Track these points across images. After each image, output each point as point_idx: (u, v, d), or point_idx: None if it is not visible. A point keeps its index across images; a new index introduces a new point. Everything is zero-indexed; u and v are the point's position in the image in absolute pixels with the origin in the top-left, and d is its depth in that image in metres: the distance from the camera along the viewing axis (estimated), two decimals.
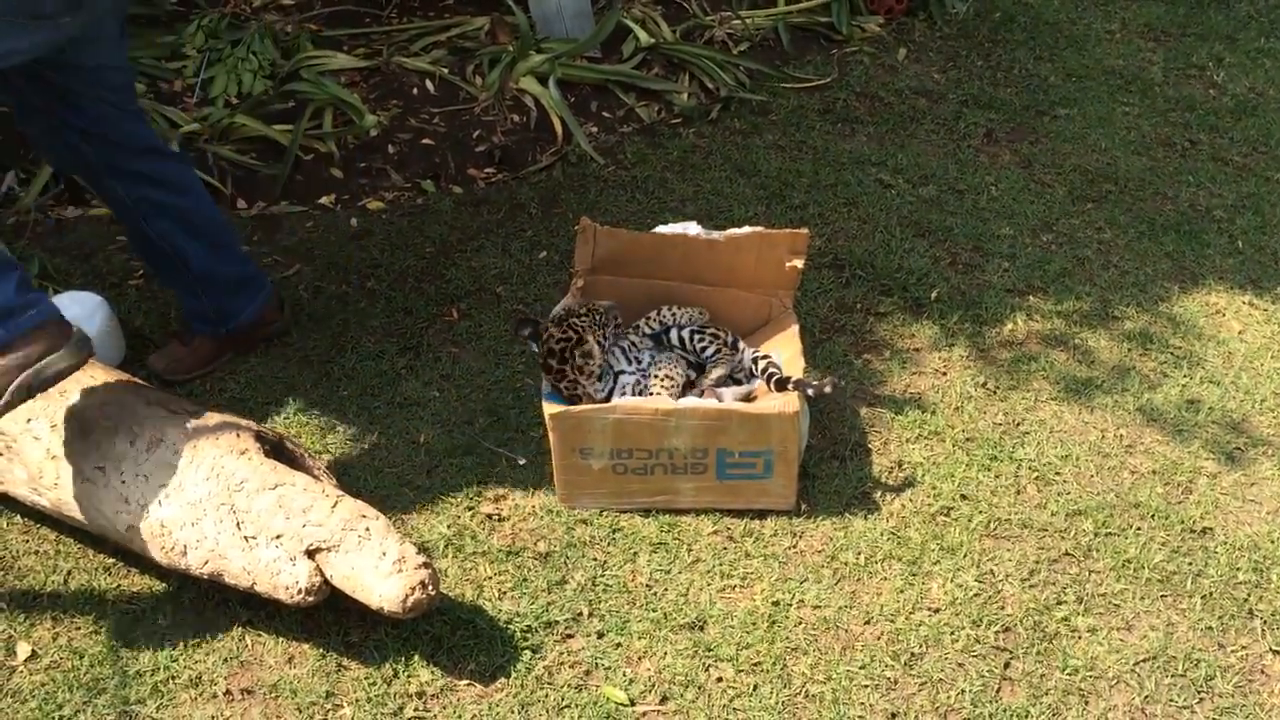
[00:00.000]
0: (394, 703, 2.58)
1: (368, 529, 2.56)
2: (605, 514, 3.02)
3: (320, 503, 2.59)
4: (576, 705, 2.58)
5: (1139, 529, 3.03)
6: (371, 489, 3.09)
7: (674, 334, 3.14)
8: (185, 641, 2.68)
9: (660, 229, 3.25)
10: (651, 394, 2.95)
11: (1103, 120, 4.85)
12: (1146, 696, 2.64)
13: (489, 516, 3.04)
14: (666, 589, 2.83)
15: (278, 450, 2.80)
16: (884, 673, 2.66)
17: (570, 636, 2.72)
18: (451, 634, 2.71)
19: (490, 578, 2.86)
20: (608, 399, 3.00)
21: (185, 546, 2.63)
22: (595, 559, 2.90)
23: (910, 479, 3.15)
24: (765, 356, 3.11)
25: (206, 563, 2.62)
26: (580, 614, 2.78)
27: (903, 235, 4.10)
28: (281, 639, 2.68)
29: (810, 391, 2.93)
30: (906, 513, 3.05)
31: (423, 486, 3.10)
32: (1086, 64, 5.28)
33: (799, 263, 3.20)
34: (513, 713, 2.58)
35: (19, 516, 2.98)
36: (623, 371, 3.07)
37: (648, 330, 3.18)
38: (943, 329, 3.70)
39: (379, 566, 2.51)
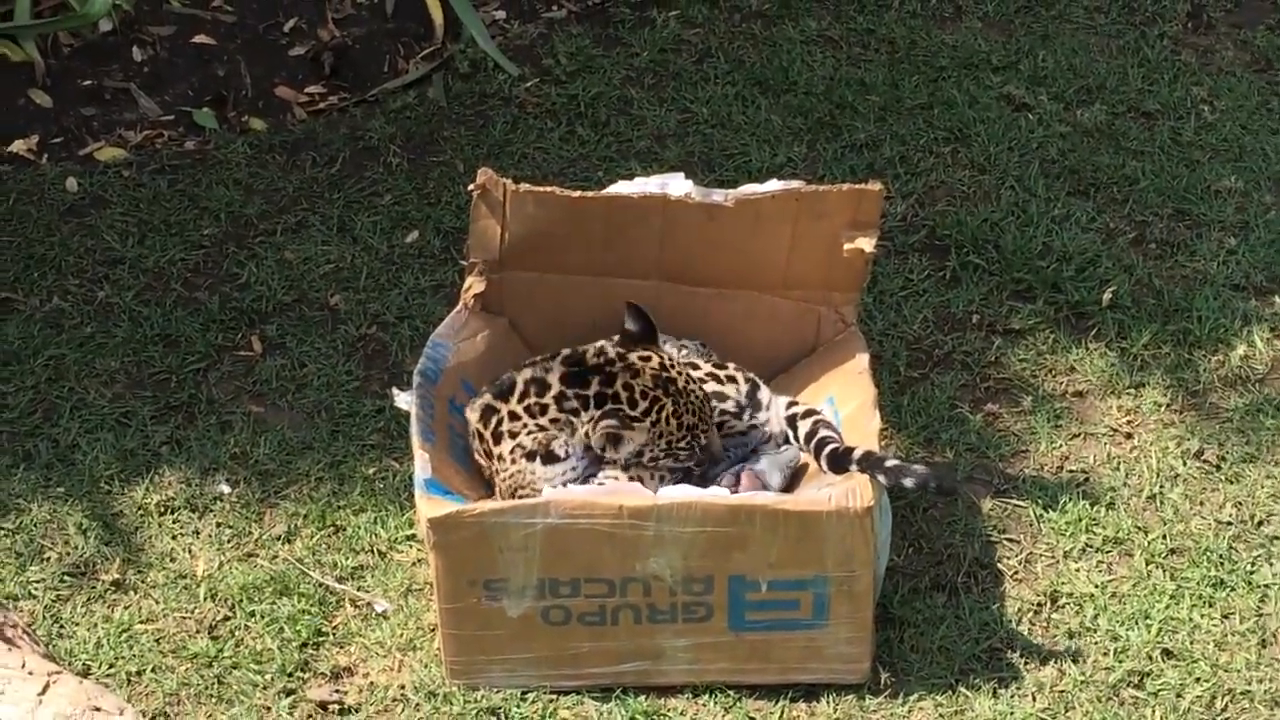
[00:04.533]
0: None
1: None
2: (532, 696, 2.60)
3: (19, 686, 2.25)
4: None
5: None
6: (113, 660, 2.65)
7: None
8: None
9: (620, 188, 2.83)
10: (637, 478, 2.59)
11: None
12: None
13: (323, 707, 2.56)
14: None
15: None
16: None
17: None
18: None
19: None
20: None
21: None
22: None
23: (1073, 625, 2.72)
24: (812, 413, 2.68)
25: None
26: None
27: (1050, 193, 3.57)
28: None
29: (893, 478, 2.52)
30: (1068, 684, 2.61)
31: (203, 654, 2.64)
32: None
33: (868, 244, 2.74)
34: None
35: None
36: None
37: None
38: (1124, 357, 3.21)
39: None
